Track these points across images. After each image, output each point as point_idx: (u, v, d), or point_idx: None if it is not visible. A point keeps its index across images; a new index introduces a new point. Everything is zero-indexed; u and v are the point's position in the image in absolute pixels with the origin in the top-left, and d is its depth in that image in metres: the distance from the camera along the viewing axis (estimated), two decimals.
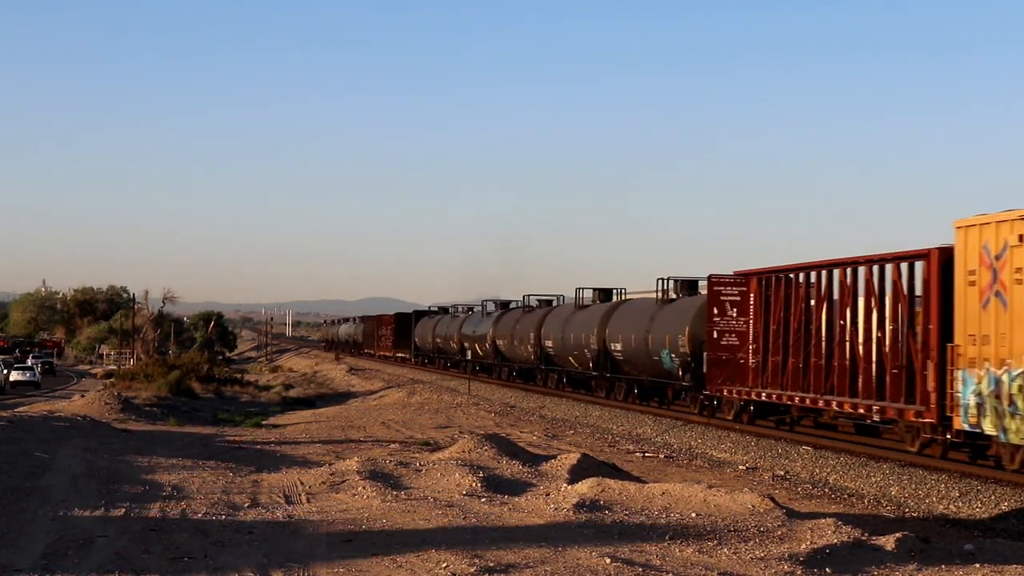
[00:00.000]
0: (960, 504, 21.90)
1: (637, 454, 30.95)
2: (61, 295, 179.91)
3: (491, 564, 13.07)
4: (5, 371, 78.34)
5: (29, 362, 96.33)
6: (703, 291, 39.37)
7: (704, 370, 35.93)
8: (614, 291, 52.87)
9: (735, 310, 34.96)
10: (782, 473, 26.93)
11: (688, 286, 42.87)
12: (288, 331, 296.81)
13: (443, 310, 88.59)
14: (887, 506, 22.56)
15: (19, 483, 19.76)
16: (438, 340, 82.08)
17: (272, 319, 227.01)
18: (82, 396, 50.12)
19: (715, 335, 35.20)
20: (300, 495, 18.62)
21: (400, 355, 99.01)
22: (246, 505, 17.60)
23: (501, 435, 27.28)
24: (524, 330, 59.93)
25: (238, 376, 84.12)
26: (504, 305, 70.26)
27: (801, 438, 31.19)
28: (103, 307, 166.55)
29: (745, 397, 34.04)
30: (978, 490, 22.56)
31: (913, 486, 23.58)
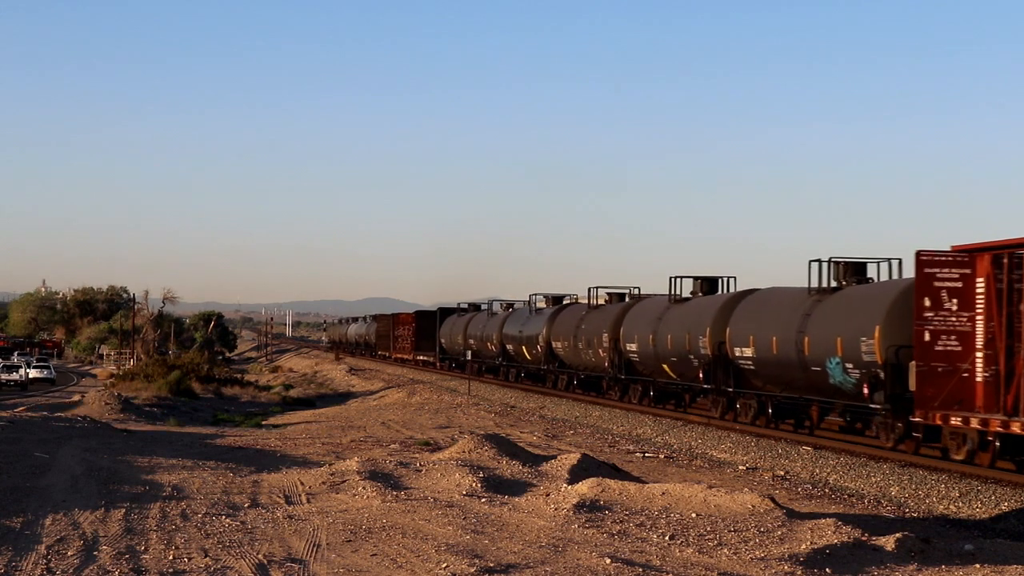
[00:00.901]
0: (960, 504, 21.90)
1: (637, 454, 30.94)
2: (61, 295, 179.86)
3: (491, 564, 13.07)
4: (26, 369, 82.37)
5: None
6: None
7: (912, 387, 25.57)
8: (721, 280, 42.20)
9: (955, 301, 25.44)
10: (782, 473, 26.93)
11: (854, 269, 32.21)
12: (288, 331, 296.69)
13: (474, 307, 79.28)
14: (887, 506, 22.56)
15: (19, 483, 19.76)
16: (471, 341, 71.45)
17: (272, 319, 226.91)
18: (82, 396, 50.10)
19: (927, 336, 25.27)
20: (300, 495, 18.62)
21: (422, 358, 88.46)
22: (246, 505, 17.61)
23: (501, 435, 27.27)
24: (593, 330, 48.73)
25: (238, 376, 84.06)
26: (557, 300, 61.88)
27: (801, 438, 31.18)
28: (103, 307, 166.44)
29: (982, 428, 23.96)
30: (978, 490, 22.57)
31: (913, 486, 23.58)
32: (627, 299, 49.89)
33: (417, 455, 25.18)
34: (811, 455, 28.37)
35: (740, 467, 28.17)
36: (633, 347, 43.83)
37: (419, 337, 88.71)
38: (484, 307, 75.73)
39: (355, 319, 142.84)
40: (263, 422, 44.64)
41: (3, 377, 78.78)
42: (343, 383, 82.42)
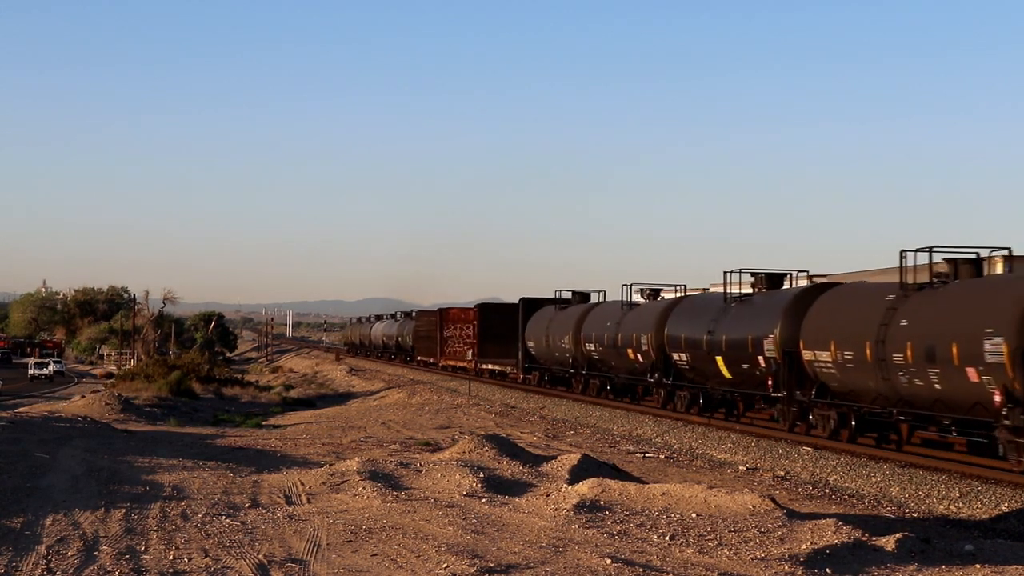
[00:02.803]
0: (960, 504, 21.90)
1: (638, 455, 30.94)
2: (61, 295, 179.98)
3: (491, 564, 13.08)
4: (53, 365, 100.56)
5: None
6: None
7: None
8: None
9: None
10: (782, 473, 26.93)
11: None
12: (288, 331, 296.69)
13: (582, 296, 54.98)
14: (887, 506, 22.56)
15: (19, 483, 19.76)
16: (589, 346, 48.10)
17: (272, 319, 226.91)
18: (82, 397, 50.10)
19: None
20: (300, 495, 18.62)
21: (491, 367, 67.63)
22: (246, 505, 17.61)
23: (501, 435, 27.28)
24: (759, 325, 33.71)
25: (238, 376, 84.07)
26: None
27: (801, 438, 31.17)
28: (103, 307, 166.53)
29: None
30: (978, 490, 22.57)
31: (913, 486, 23.58)
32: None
33: (417, 455, 25.18)
34: (811, 455, 28.36)
35: (740, 467, 28.17)
36: (826, 359, 30.29)
37: (484, 339, 69.22)
38: (594, 296, 54.59)
39: (379, 317, 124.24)
40: (263, 422, 44.64)
41: (35, 371, 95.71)
42: (343, 383, 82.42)
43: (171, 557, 13.59)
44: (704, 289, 51.84)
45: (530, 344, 57.87)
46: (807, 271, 37.53)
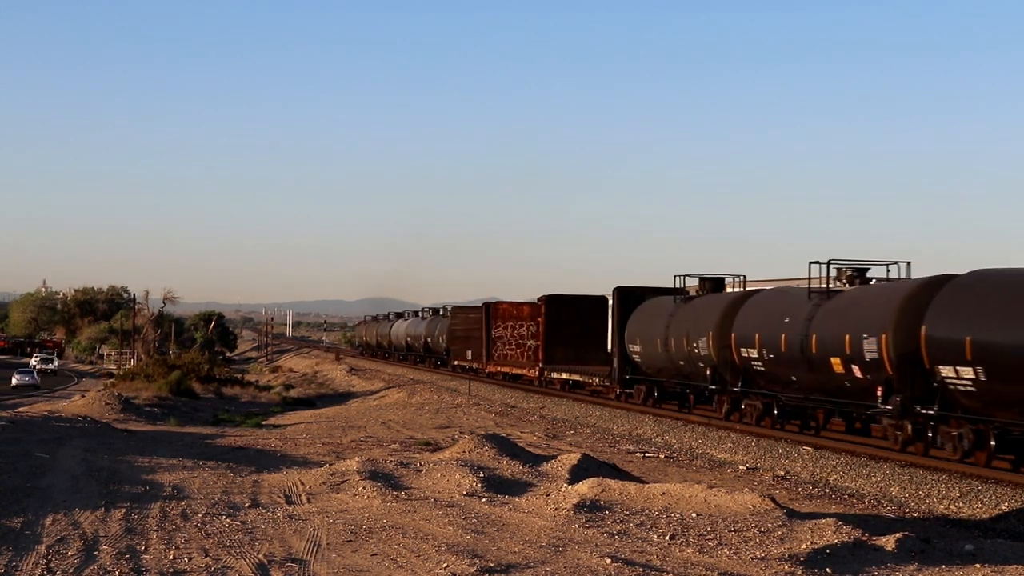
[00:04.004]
0: (960, 504, 21.90)
1: (637, 454, 30.95)
2: (61, 295, 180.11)
3: (491, 564, 13.07)
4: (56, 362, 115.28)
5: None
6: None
7: None
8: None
9: None
10: (782, 473, 26.94)
11: None
12: (288, 331, 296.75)
13: (712, 283, 41.31)
14: (887, 506, 22.57)
15: (19, 483, 19.76)
16: (746, 353, 34.27)
17: (272, 319, 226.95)
18: (82, 396, 50.13)
19: None
20: (300, 495, 18.62)
21: (565, 375, 52.88)
22: (246, 505, 17.61)
23: (501, 435, 27.28)
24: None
25: (238, 376, 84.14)
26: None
27: (801, 438, 31.17)
28: (103, 307, 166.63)
29: None
30: (978, 490, 22.56)
31: (913, 486, 23.58)
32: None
33: (417, 455, 25.18)
34: (811, 455, 28.36)
35: (740, 467, 28.17)
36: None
37: (552, 340, 55.71)
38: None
39: (400, 315, 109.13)
40: (263, 422, 44.69)
41: (41, 367, 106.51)
42: (343, 383, 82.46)
43: (171, 557, 13.58)
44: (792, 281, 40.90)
45: (633, 349, 42.66)
46: (908, 262, 31.35)
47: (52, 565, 13.11)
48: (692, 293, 41.52)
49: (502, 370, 63.35)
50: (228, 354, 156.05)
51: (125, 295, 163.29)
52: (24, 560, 13.39)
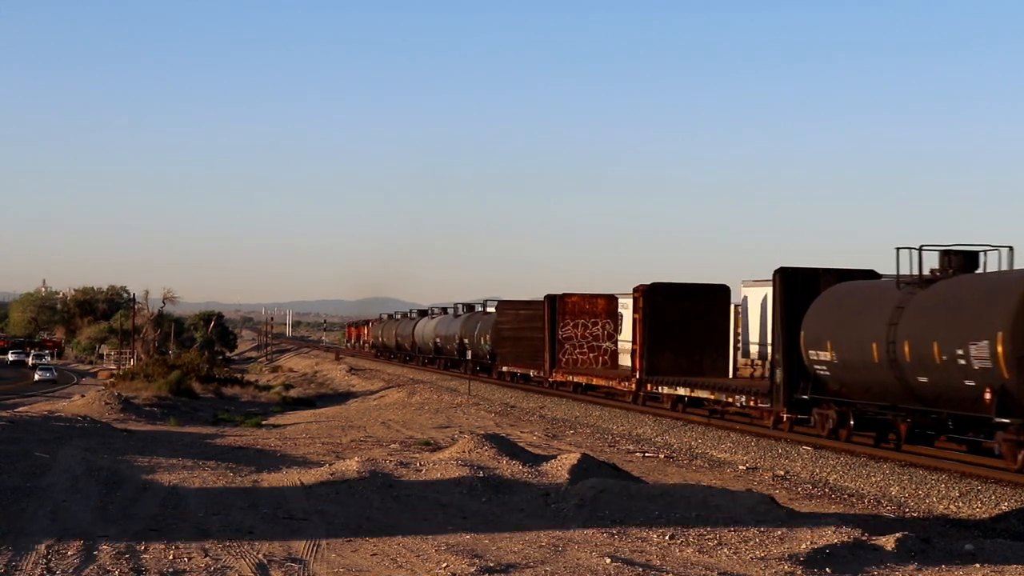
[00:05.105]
0: (960, 504, 21.90)
1: (637, 454, 30.96)
2: (61, 295, 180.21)
3: (491, 564, 13.08)
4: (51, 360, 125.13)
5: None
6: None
7: None
8: None
9: None
10: (782, 473, 26.94)
11: None
12: (288, 331, 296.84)
13: (967, 259, 27.17)
14: (887, 506, 22.57)
15: (19, 483, 19.75)
16: None
17: (272, 319, 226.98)
18: (82, 396, 50.17)
19: None
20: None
21: (680, 391, 39.23)
22: (246, 505, 17.60)
23: (501, 435, 27.29)
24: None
25: (238, 376, 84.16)
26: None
27: (801, 438, 31.16)
28: (103, 307, 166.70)
29: None
30: (978, 490, 22.57)
31: (913, 486, 23.58)
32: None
33: (417, 455, 25.19)
34: (811, 455, 28.36)
35: (740, 467, 28.17)
36: None
37: (655, 342, 41.45)
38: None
39: (424, 312, 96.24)
40: (263, 422, 44.70)
41: (38, 362, 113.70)
42: (343, 383, 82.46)
43: (171, 557, 13.58)
44: None
45: (817, 357, 29.68)
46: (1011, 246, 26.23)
47: (52, 565, 13.11)
48: (923, 275, 27.16)
49: (575, 379, 51.13)
50: (228, 354, 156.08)
51: (125, 295, 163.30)
52: (24, 560, 13.38)
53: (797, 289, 31.93)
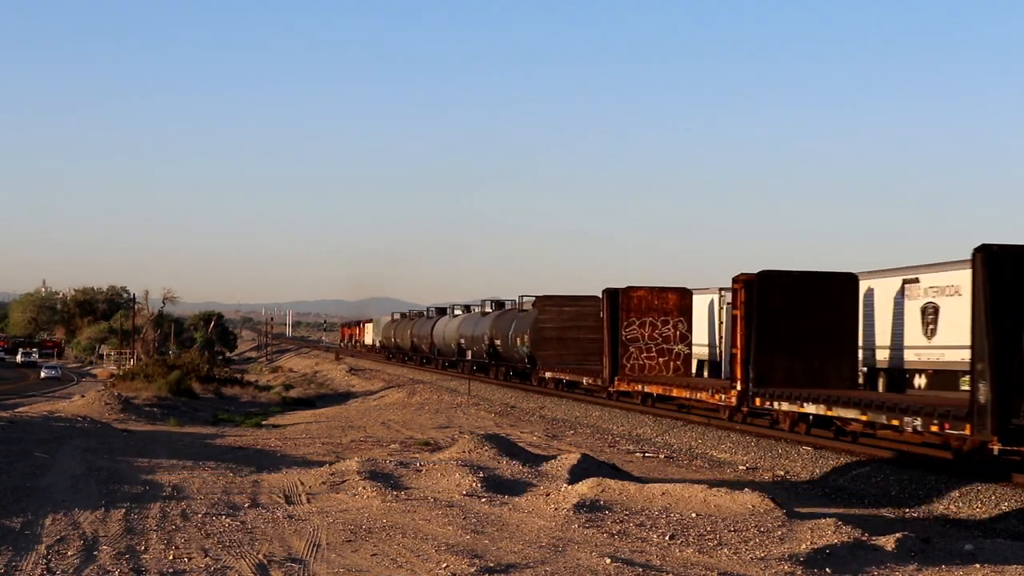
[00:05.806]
0: (960, 504, 21.90)
1: (637, 454, 30.95)
2: (61, 295, 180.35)
3: (491, 564, 13.07)
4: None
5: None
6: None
7: None
8: None
9: None
10: (782, 473, 26.94)
11: None
12: (288, 331, 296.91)
13: None
14: (887, 506, 22.57)
15: (19, 483, 19.76)
16: None
17: (272, 319, 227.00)
18: (82, 396, 50.15)
19: None
20: (300, 495, 18.62)
21: (810, 408, 28.93)
22: (246, 505, 17.61)
23: (501, 435, 27.29)
24: None
25: (238, 376, 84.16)
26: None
27: (801, 438, 31.14)
28: (103, 307, 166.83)
29: None
30: (978, 490, 22.56)
31: (913, 486, 23.58)
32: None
33: (417, 455, 25.19)
34: (811, 455, 28.36)
35: (740, 467, 28.17)
36: None
37: (767, 345, 32.41)
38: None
39: (443, 311, 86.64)
40: (263, 422, 44.69)
41: (39, 360, 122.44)
42: (343, 383, 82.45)
43: (171, 557, 13.59)
44: None
45: None
46: None
47: (52, 565, 13.12)
48: None
49: (646, 390, 41.91)
50: (228, 354, 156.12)
51: (125, 295, 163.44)
52: (24, 560, 13.39)
53: (1006, 275, 22.75)
